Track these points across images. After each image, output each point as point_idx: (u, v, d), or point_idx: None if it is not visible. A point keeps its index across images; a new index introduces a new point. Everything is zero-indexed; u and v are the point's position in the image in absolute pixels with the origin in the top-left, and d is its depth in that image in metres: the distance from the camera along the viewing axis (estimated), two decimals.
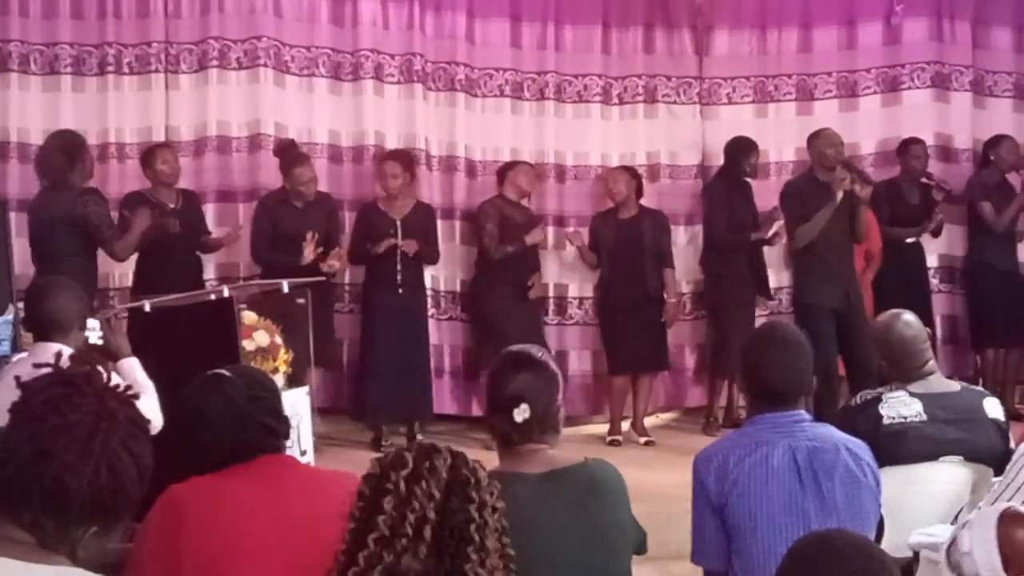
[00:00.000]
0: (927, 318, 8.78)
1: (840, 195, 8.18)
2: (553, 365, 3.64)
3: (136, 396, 2.39)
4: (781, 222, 9.18)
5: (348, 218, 9.09)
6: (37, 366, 2.50)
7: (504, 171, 9.01)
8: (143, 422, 2.37)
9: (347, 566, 2.55)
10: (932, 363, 4.88)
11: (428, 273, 8.95)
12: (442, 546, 2.49)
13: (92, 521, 2.26)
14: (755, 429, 3.92)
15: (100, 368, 2.38)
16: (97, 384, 2.31)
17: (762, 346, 4.03)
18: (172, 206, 8.18)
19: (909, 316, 5.00)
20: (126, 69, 8.90)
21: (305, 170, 8.38)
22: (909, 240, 9.26)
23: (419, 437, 8.60)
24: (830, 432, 3.92)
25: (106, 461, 2.25)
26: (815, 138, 8.71)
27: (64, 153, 7.59)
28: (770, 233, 9.30)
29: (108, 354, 5.22)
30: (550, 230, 9.32)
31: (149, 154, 8.29)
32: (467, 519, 2.51)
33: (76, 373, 2.30)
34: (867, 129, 9.63)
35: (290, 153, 8.55)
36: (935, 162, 9.65)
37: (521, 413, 3.44)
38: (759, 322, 9.14)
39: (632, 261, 8.94)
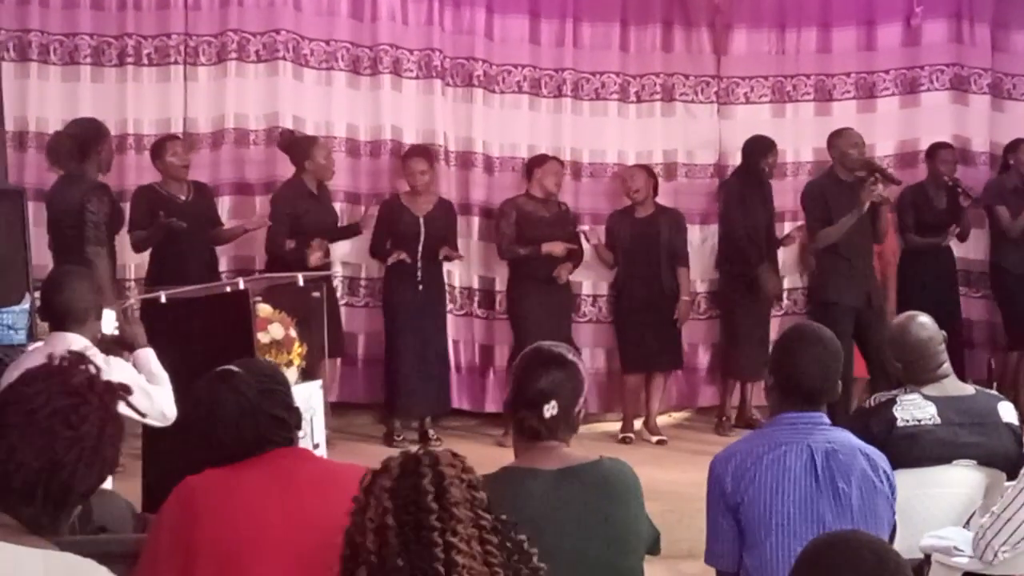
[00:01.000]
0: (956, 322, 8.80)
1: (868, 204, 8.19)
2: (582, 367, 3.68)
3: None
4: (798, 224, 9.19)
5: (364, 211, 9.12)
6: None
7: (532, 167, 8.99)
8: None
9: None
10: (947, 366, 4.87)
11: (445, 269, 8.94)
12: (409, 543, 2.49)
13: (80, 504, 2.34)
14: (773, 430, 3.93)
15: (90, 364, 2.38)
16: (98, 387, 2.33)
17: (799, 345, 4.01)
18: (183, 198, 8.14)
19: (924, 318, 4.99)
20: (145, 60, 8.92)
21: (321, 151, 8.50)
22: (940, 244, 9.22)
23: (431, 435, 8.63)
24: (848, 437, 3.92)
25: (108, 462, 2.34)
26: (837, 137, 8.72)
27: (76, 143, 7.57)
28: (784, 234, 9.32)
29: (124, 344, 5.23)
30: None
31: (159, 146, 8.30)
32: (423, 522, 2.50)
33: (79, 380, 2.31)
34: (885, 131, 9.60)
35: (301, 141, 8.60)
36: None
37: (550, 410, 3.47)
38: (773, 323, 9.17)
39: (648, 260, 8.95)
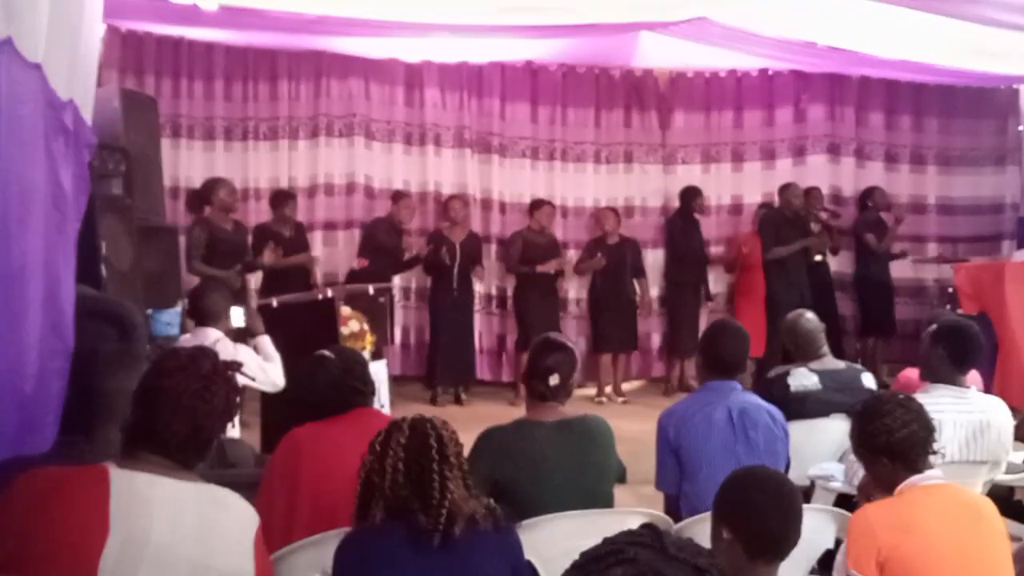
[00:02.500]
0: (832, 316, 8.79)
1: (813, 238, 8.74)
2: (577, 352, 3.71)
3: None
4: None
5: (416, 243, 9.08)
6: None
7: (532, 209, 8.97)
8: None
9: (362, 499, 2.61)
10: (825, 347, 4.86)
11: (473, 279, 8.93)
12: (413, 466, 2.54)
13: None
14: (703, 393, 3.93)
15: (212, 353, 2.40)
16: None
17: (720, 332, 4.03)
18: (287, 234, 8.04)
19: (810, 314, 4.99)
20: (261, 136, 8.94)
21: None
22: (818, 259, 9.16)
23: (463, 398, 8.65)
24: (755, 399, 3.93)
25: (232, 416, 2.37)
26: (784, 189, 9.02)
27: (196, 197, 7.55)
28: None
29: (249, 332, 5.25)
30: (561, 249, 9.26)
31: (279, 197, 8.23)
32: (426, 446, 2.55)
33: (206, 367, 2.31)
34: (781, 182, 9.55)
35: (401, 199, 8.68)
36: (830, 205, 9.61)
37: (554, 380, 3.51)
38: (703, 317, 9.16)
39: (616, 274, 8.90)
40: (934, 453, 3.04)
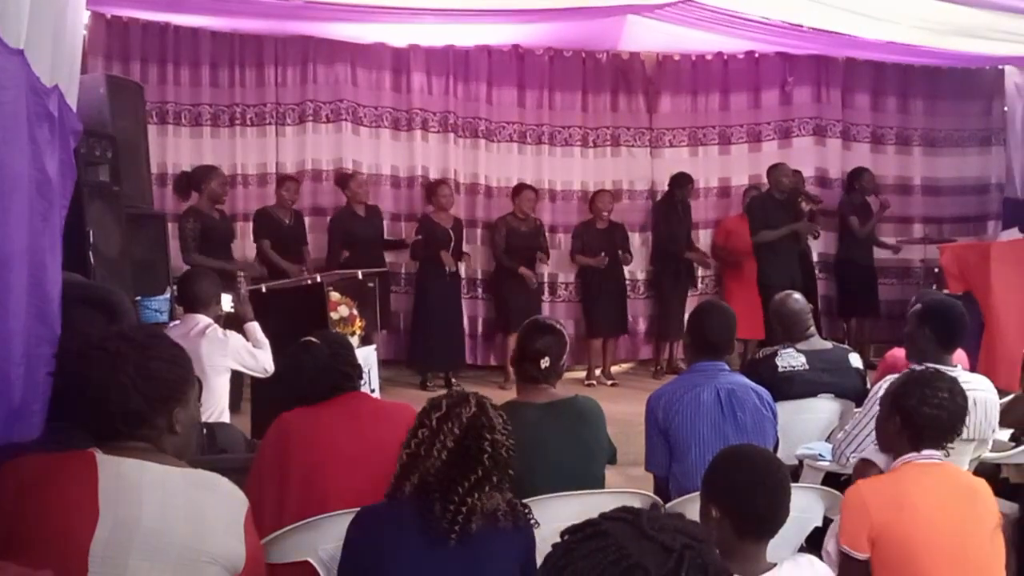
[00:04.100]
0: (817, 297, 8.83)
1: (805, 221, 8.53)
2: (566, 334, 3.71)
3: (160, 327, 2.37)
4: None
5: (404, 227, 9.09)
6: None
7: (513, 195, 8.92)
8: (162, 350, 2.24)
9: (402, 471, 2.58)
10: (812, 328, 4.89)
11: (461, 265, 8.91)
12: (457, 461, 2.51)
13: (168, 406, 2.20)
14: (691, 375, 3.94)
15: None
16: (111, 343, 2.19)
17: (708, 315, 4.04)
18: (287, 222, 8.20)
19: (797, 295, 5.02)
20: (248, 122, 8.89)
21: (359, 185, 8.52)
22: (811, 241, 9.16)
23: (454, 382, 8.62)
24: (743, 379, 3.94)
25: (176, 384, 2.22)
26: (773, 169, 8.82)
27: (186, 181, 7.57)
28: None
29: (238, 319, 5.23)
30: (546, 234, 9.24)
31: (281, 181, 8.39)
32: (480, 450, 2.53)
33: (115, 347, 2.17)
34: (767, 165, 9.55)
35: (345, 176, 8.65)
36: (815, 187, 9.63)
37: (544, 362, 3.52)
38: (690, 301, 9.17)
39: (607, 258, 8.84)
40: (942, 448, 3.05)
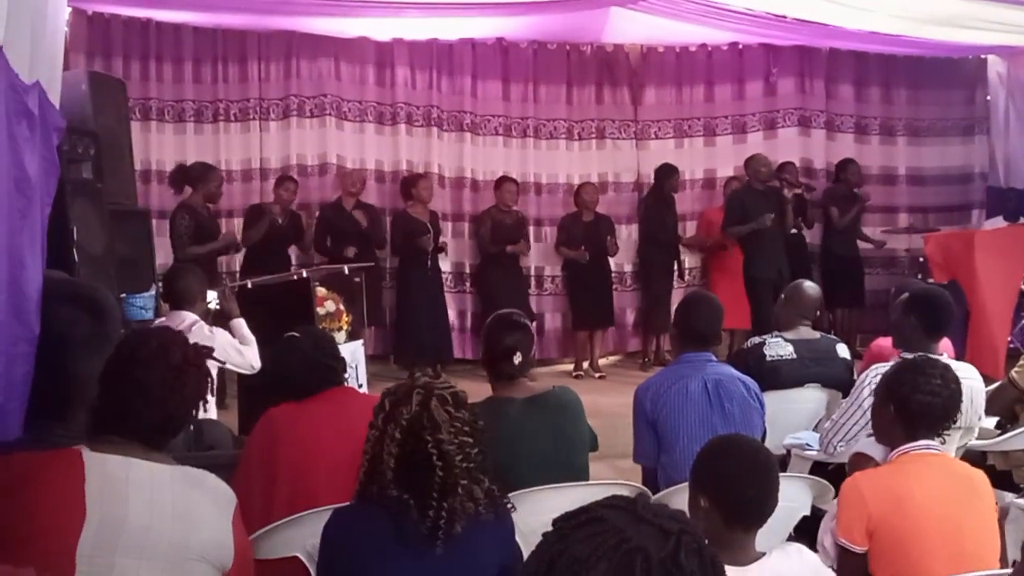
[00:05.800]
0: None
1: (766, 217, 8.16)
2: (531, 326, 3.70)
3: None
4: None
5: (388, 222, 9.07)
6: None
7: (495, 188, 8.90)
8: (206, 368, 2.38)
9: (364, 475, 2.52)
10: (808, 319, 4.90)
11: (441, 256, 8.88)
12: (408, 467, 2.42)
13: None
14: (678, 366, 3.94)
15: (184, 341, 2.37)
16: (191, 357, 2.31)
17: (694, 306, 4.05)
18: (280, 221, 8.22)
19: (810, 283, 5.04)
20: (232, 118, 8.85)
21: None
22: (794, 231, 9.08)
23: (442, 376, 8.58)
24: (731, 370, 3.95)
25: (203, 399, 2.36)
26: (751, 160, 8.60)
27: (183, 176, 7.61)
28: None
29: (223, 316, 5.21)
30: (531, 229, 9.23)
31: (278, 181, 8.41)
32: (424, 454, 2.40)
33: (176, 357, 2.28)
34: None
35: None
36: (803, 177, 9.63)
37: (517, 358, 3.50)
38: (676, 292, 9.17)
39: (594, 251, 8.77)
40: (938, 436, 3.06)
